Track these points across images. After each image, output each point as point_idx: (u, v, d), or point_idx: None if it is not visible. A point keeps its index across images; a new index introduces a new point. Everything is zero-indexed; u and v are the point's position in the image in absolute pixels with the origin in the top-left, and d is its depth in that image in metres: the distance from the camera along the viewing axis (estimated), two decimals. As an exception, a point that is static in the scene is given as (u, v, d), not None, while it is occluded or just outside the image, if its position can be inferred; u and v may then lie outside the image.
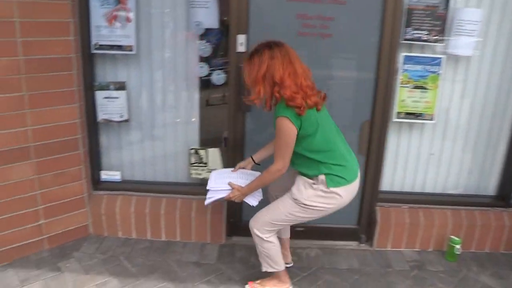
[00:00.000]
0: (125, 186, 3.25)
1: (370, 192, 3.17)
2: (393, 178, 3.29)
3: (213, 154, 3.20)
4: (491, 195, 3.33)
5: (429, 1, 2.84)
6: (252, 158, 2.73)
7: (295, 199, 2.39)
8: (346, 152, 2.43)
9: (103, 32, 2.92)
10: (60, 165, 2.95)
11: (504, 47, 3.02)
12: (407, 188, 3.33)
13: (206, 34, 2.98)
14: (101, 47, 2.95)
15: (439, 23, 2.87)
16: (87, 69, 2.97)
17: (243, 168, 2.72)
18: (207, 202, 2.58)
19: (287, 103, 2.22)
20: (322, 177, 2.33)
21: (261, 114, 2.77)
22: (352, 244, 3.26)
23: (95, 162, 3.18)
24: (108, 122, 3.12)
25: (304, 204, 2.37)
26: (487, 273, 2.99)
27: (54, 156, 2.90)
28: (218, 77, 3.06)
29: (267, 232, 2.46)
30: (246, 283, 2.73)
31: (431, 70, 2.98)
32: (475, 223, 3.18)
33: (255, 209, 2.55)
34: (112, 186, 3.24)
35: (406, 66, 2.98)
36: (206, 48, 3.00)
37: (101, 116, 3.09)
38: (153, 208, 3.18)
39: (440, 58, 2.94)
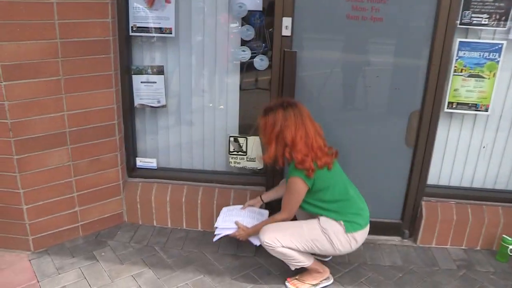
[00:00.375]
0: (161, 173, 3.17)
1: (416, 186, 3.00)
2: (440, 172, 3.11)
3: (253, 143, 3.08)
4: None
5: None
6: (261, 197, 2.86)
7: (324, 228, 2.42)
8: (359, 200, 2.53)
9: (141, 13, 2.80)
10: (95, 151, 2.88)
11: None
12: (454, 183, 3.14)
13: (249, 17, 2.83)
14: (139, 29, 2.83)
15: (503, 5, 2.64)
16: (124, 52, 2.86)
17: (252, 206, 2.86)
18: (215, 239, 2.72)
19: (297, 165, 2.32)
20: (341, 222, 2.41)
21: (305, 101, 2.63)
22: (395, 240, 3.12)
23: (130, 148, 3.10)
24: (144, 107, 3.03)
25: (330, 236, 2.41)
26: None
27: (90, 142, 2.83)
28: (261, 62, 2.91)
29: (279, 243, 2.41)
30: (285, 279, 2.63)
31: (489, 57, 2.76)
32: (529, 221, 3.00)
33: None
34: (147, 173, 3.16)
35: (462, 53, 2.77)
36: (248, 31, 2.85)
37: (137, 101, 2.99)
38: (190, 197, 3.09)
39: (501, 44, 2.73)
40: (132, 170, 3.15)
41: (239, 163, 3.14)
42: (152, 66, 2.93)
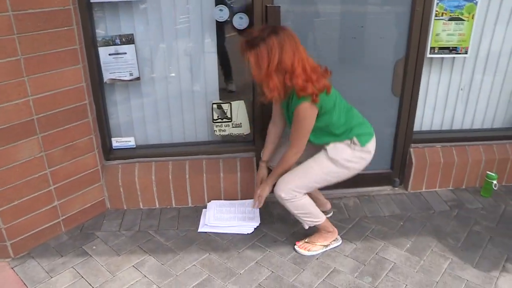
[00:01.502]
0: (142, 152, 2.91)
1: (404, 134, 3.03)
2: (422, 118, 3.15)
3: (238, 107, 2.91)
4: (521, 126, 3.30)
5: None
6: (264, 163, 2.65)
7: (333, 159, 2.34)
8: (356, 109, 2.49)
9: (102, -25, 2.45)
10: (69, 137, 2.56)
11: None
12: (436, 127, 3.20)
13: (224, -28, 2.58)
14: (105, -7, 2.49)
15: None
16: (87, 22, 2.51)
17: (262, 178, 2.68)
18: (201, 230, 2.74)
19: (299, 93, 2.17)
20: (354, 139, 2.35)
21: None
22: (387, 189, 3.16)
23: (104, 129, 2.80)
24: (115, 82, 2.72)
25: (342, 164, 2.35)
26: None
27: (61, 127, 2.50)
28: (240, 21, 2.68)
29: (298, 193, 2.34)
30: (294, 244, 2.57)
31: (468, -1, 2.78)
32: (508, 156, 3.15)
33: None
34: (126, 153, 2.89)
35: (442, -4, 2.76)
36: (225, -12, 2.61)
37: (107, 76, 2.68)
38: (177, 172, 2.89)
39: None
40: (109, 152, 2.87)
41: (224, 130, 2.96)
42: (120, 35, 2.61)
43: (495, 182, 3.02)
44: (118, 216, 2.87)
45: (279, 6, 2.58)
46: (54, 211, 2.61)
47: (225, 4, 2.66)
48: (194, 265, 2.45)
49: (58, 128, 2.49)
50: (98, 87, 2.68)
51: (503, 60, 3.06)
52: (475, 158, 3.12)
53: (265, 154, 2.65)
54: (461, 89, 3.10)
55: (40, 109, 2.38)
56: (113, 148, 2.90)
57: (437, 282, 2.32)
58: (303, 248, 2.55)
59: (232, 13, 2.69)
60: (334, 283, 2.31)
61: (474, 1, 2.77)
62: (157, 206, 2.94)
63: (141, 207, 2.93)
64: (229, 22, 2.71)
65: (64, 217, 2.67)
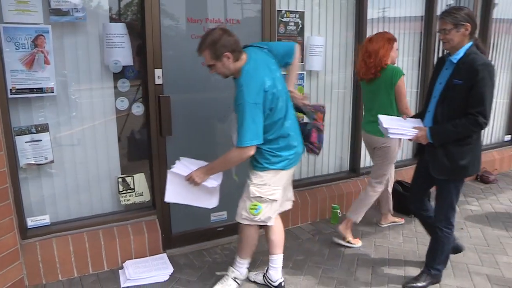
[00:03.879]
0: (57, 227, 3.20)
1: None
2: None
3: (139, 179, 3.46)
4: (347, 170, 4.55)
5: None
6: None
7: None
8: None
9: (20, 76, 2.91)
10: (-8, 218, 2.78)
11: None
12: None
13: (123, 71, 3.27)
14: (19, 91, 2.92)
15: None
16: (6, 114, 2.89)
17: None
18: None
19: None
20: None
21: (181, 133, 3.35)
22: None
23: (20, 210, 3.05)
24: (31, 166, 3.06)
25: None
26: (362, 223, 4.04)
27: (-15, 209, 2.73)
28: (137, 109, 3.37)
29: None
30: (206, 282, 3.13)
31: (297, 83, 3.96)
32: (343, 192, 4.32)
33: (182, 222, 3.40)
34: (42, 230, 3.14)
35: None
36: (125, 84, 3.28)
37: (23, 161, 3.01)
38: (92, 241, 3.24)
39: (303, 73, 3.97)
40: (25, 231, 3.08)
41: (129, 200, 3.45)
42: (36, 125, 3.03)
43: (338, 211, 4.10)
44: (39, 291, 3.05)
45: (169, 96, 3.36)
46: (-21, 293, 2.71)
47: (125, 96, 3.33)
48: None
49: (-17, 211, 2.72)
50: (15, 171, 2.99)
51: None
52: (321, 197, 4.19)
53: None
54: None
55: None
56: (29, 227, 3.13)
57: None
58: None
59: (131, 103, 3.37)
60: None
61: (302, 84, 3.98)
62: (76, 275, 3.20)
63: (60, 278, 3.15)
64: (128, 110, 3.37)
65: (-13, 298, 2.77)
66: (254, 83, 2.62)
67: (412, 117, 3.16)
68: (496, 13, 5.64)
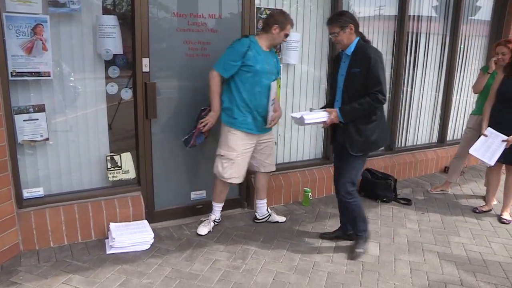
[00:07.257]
0: (50, 199, 3.53)
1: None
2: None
3: (126, 158, 3.80)
4: (320, 157, 4.93)
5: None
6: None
7: None
8: None
9: (20, 60, 3.22)
10: (-8, 187, 3.12)
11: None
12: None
13: (114, 59, 3.60)
14: (19, 74, 3.23)
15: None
16: (6, 94, 3.21)
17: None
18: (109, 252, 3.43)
19: None
20: None
21: (165, 117, 3.69)
22: (239, 210, 4.38)
23: (17, 181, 3.38)
24: (28, 142, 3.38)
25: None
26: (330, 207, 4.48)
27: (-15, 179, 3.08)
28: (126, 94, 3.71)
29: None
30: (186, 251, 3.48)
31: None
32: (315, 177, 4.67)
33: (164, 199, 3.91)
34: (36, 201, 3.48)
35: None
36: (115, 71, 3.61)
37: (21, 137, 3.34)
38: (82, 213, 3.58)
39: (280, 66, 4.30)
40: (21, 201, 3.41)
41: (116, 176, 3.79)
42: (34, 105, 3.35)
43: (310, 194, 4.47)
44: (33, 255, 3.38)
45: (155, 82, 3.69)
46: (-22, 253, 3.05)
47: (115, 81, 3.65)
48: (112, 273, 3.18)
49: (-16, 180, 3.06)
50: (13, 146, 3.31)
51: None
52: (296, 180, 4.56)
53: None
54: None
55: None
56: (24, 198, 3.46)
57: (284, 255, 3.53)
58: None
59: (120, 88, 3.69)
60: (217, 267, 3.31)
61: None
62: (66, 242, 3.54)
63: (52, 245, 3.49)
64: (118, 94, 3.70)
65: (-15, 258, 3.11)
66: None
67: (322, 107, 3.63)
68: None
